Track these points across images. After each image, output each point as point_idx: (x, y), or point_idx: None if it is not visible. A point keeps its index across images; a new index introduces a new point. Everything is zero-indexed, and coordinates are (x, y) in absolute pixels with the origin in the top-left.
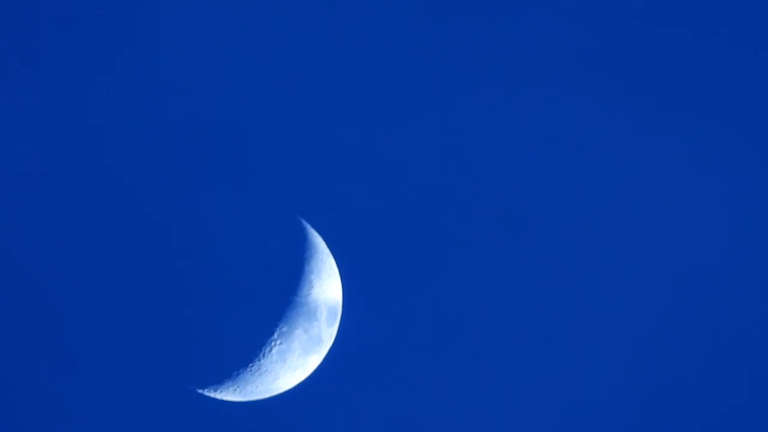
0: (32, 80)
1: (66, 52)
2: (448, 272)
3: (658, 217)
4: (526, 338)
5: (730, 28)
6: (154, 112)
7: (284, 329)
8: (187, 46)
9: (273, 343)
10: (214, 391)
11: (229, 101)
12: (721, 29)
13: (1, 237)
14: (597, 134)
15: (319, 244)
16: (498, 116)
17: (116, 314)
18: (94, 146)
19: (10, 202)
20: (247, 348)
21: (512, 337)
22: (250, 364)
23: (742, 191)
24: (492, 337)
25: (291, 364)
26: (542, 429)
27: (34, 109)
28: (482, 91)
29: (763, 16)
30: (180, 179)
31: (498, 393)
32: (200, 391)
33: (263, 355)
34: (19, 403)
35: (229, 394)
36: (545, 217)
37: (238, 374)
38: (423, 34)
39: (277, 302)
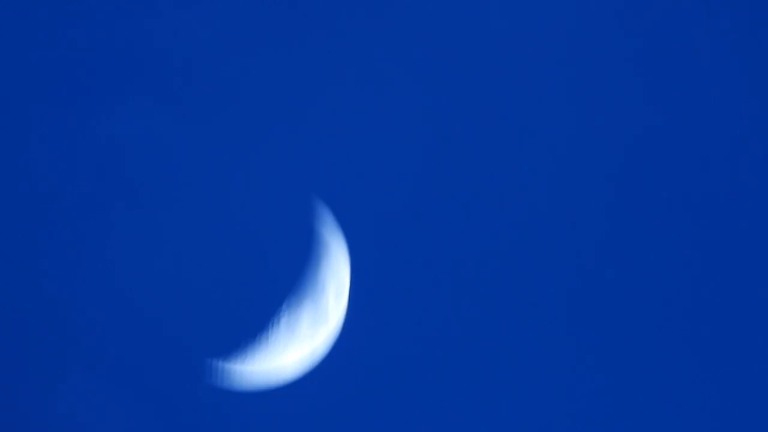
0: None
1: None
2: (458, 243)
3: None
4: (541, 320)
5: None
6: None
7: (292, 301)
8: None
9: (280, 316)
10: (222, 361)
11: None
12: None
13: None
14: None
15: (327, 215)
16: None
17: (121, 284)
18: (119, 117)
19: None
20: (254, 320)
21: (528, 317)
22: (257, 336)
23: None
24: (508, 308)
25: (298, 336)
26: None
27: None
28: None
29: None
30: (190, 144)
31: (510, 369)
32: (207, 361)
33: (270, 327)
34: (32, 357)
35: (237, 364)
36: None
37: (246, 346)
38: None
39: (285, 274)
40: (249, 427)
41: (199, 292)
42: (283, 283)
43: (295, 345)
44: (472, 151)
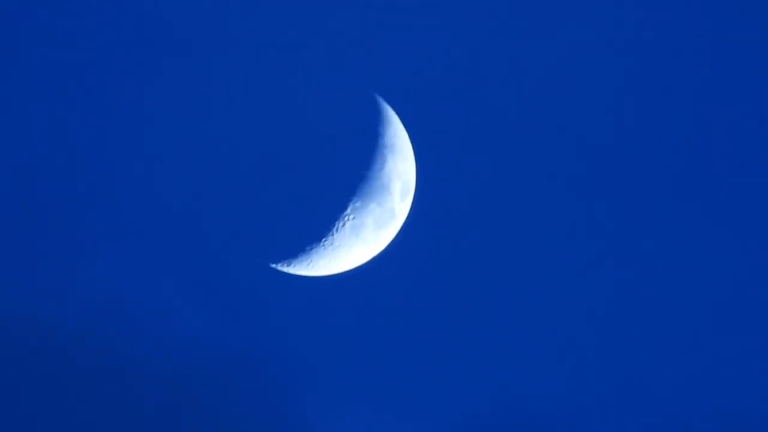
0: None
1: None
2: (521, 147)
3: None
4: (598, 214)
5: None
6: None
7: (357, 204)
8: None
9: (346, 218)
10: (288, 265)
11: None
12: None
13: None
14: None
15: (392, 118)
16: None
17: (192, 189)
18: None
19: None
20: (320, 223)
21: (586, 208)
22: (323, 239)
23: None
24: (570, 212)
25: (364, 238)
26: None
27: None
28: None
29: None
30: (252, 57)
31: (571, 270)
32: (273, 265)
33: (336, 229)
34: (94, 267)
35: (302, 268)
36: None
37: (312, 249)
38: None
39: (351, 177)
40: (313, 328)
41: (264, 196)
42: (348, 186)
43: (361, 247)
44: (526, 53)
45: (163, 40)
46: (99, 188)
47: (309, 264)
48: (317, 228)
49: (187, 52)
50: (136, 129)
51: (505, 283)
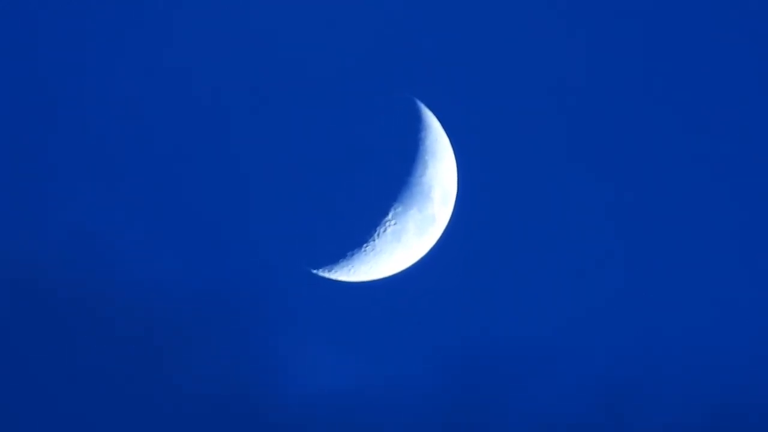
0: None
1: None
2: (562, 151)
3: None
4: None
5: None
6: None
7: (399, 209)
8: None
9: (387, 224)
10: (329, 271)
11: None
12: None
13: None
14: None
15: (433, 124)
16: None
17: (235, 195)
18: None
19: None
20: (362, 228)
21: (632, 211)
22: (365, 245)
23: None
24: (617, 214)
25: (406, 243)
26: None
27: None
28: None
29: None
30: (293, 62)
31: (611, 273)
32: (315, 271)
33: (378, 235)
34: (135, 275)
35: (344, 274)
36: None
37: (353, 254)
38: None
39: (392, 183)
40: (354, 333)
41: (305, 202)
42: (390, 192)
43: (402, 252)
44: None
45: (211, 43)
46: (134, 199)
47: (350, 270)
48: (359, 233)
49: (234, 56)
50: (169, 123)
51: (544, 287)
